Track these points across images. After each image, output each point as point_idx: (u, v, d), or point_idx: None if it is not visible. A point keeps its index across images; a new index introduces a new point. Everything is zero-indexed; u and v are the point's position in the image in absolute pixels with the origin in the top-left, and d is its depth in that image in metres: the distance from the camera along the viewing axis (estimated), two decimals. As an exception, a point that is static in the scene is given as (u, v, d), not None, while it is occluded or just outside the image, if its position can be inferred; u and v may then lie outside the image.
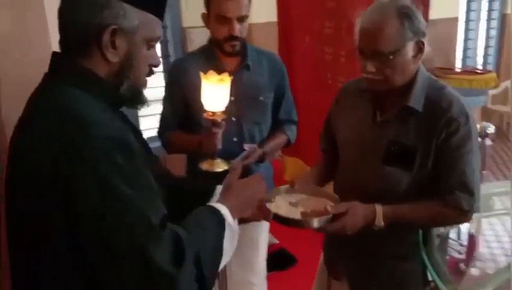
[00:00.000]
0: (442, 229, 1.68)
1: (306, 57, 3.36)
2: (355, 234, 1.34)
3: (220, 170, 1.69)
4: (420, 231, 1.47)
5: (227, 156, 1.81)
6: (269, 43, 3.54)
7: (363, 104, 1.48)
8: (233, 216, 1.09)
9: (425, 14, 2.63)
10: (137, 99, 1.09)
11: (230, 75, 1.74)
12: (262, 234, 2.15)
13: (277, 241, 3.05)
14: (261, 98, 1.98)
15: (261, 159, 1.94)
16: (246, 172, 1.89)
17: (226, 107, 1.69)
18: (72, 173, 0.85)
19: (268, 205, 1.33)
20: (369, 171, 1.45)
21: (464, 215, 1.40)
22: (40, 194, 0.88)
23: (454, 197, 1.36)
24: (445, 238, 1.83)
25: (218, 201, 1.11)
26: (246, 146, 1.88)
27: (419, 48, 1.34)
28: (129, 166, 0.89)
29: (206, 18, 1.87)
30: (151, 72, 1.09)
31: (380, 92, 1.41)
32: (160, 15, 1.05)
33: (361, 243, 1.42)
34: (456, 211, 1.38)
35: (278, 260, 2.89)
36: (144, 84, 1.09)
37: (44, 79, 1.00)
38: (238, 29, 1.80)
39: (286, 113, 2.11)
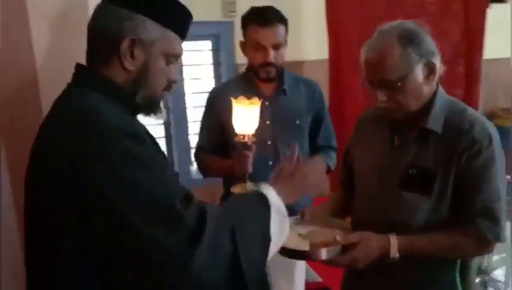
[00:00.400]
0: (485, 264, 1.56)
1: (357, 94, 3.33)
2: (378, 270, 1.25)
3: None
4: (458, 266, 1.36)
5: (263, 180, 1.81)
6: (320, 80, 3.57)
7: (381, 131, 1.43)
8: (284, 200, 1.08)
9: (478, 53, 2.55)
10: (152, 109, 1.12)
11: (266, 100, 1.78)
12: (297, 270, 2.08)
13: (320, 280, 2.95)
14: (297, 121, 1.98)
15: None
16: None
17: (260, 131, 1.71)
18: (90, 169, 0.88)
19: None
20: (387, 199, 1.37)
21: (486, 245, 1.27)
22: (59, 192, 0.90)
23: (476, 226, 1.25)
24: (487, 275, 1.69)
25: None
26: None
27: (431, 68, 1.28)
28: (144, 154, 0.92)
29: (243, 45, 1.93)
30: (169, 87, 1.13)
31: (397, 118, 1.35)
32: (181, 34, 1.11)
33: (388, 280, 1.35)
34: (478, 241, 1.26)
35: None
36: (161, 97, 1.13)
37: (67, 86, 1.07)
38: (273, 56, 1.85)
39: (325, 139, 2.09)
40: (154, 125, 3.15)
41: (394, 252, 1.25)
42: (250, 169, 1.69)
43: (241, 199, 1.05)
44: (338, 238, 1.22)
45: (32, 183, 1.00)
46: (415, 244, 1.27)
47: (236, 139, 1.67)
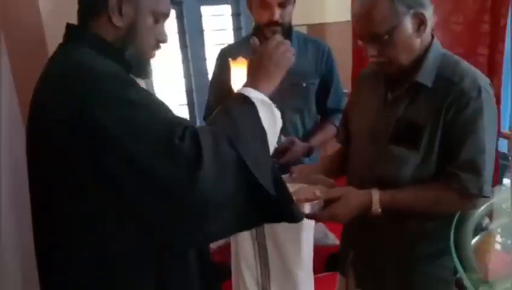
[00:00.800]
0: (486, 222, 1.51)
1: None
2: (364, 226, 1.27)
3: None
4: (452, 224, 1.34)
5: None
6: (344, 43, 3.49)
7: (378, 87, 1.41)
8: (264, 90, 1.08)
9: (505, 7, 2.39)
10: (142, 68, 1.15)
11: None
12: (304, 231, 2.08)
13: (339, 243, 2.94)
14: (304, 84, 1.95)
15: (307, 153, 1.91)
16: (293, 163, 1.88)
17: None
18: (90, 117, 0.91)
19: None
20: (376, 153, 1.36)
21: (468, 199, 1.25)
22: (64, 145, 0.93)
23: (459, 179, 1.22)
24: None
25: (244, 85, 1.11)
26: (283, 139, 1.84)
27: (421, 20, 1.24)
28: (138, 95, 0.96)
29: (250, 4, 1.90)
30: (157, 46, 1.16)
31: (390, 73, 1.33)
32: None
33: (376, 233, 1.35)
34: (460, 194, 1.24)
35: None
36: (150, 56, 1.16)
37: (59, 46, 1.11)
38: (279, 14, 1.81)
39: (335, 101, 2.05)
40: (176, 92, 3.23)
41: (376, 208, 1.26)
42: None
43: (225, 108, 1.04)
44: (318, 193, 1.24)
45: (35, 142, 1.03)
46: (397, 198, 1.27)
47: None
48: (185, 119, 1.01)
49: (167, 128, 0.92)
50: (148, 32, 1.11)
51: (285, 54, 1.15)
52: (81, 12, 1.10)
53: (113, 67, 1.03)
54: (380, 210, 1.26)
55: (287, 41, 1.15)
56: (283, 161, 1.75)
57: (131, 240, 0.97)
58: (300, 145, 1.84)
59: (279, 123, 1.07)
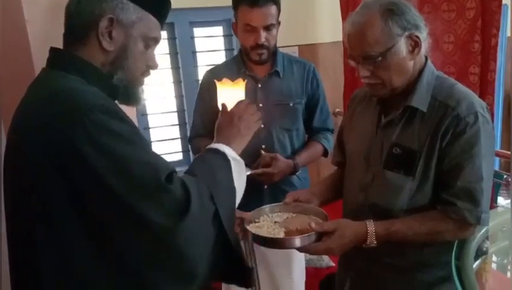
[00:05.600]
0: (486, 245, 1.48)
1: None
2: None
3: None
4: (453, 249, 1.30)
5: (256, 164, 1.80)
6: (335, 63, 3.51)
7: (371, 110, 1.39)
8: (236, 149, 1.13)
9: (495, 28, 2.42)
10: (129, 94, 1.12)
11: (259, 82, 1.76)
12: (295, 256, 2.05)
13: (333, 265, 2.91)
14: (291, 103, 1.95)
15: (293, 171, 1.90)
16: (283, 184, 1.86)
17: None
18: (70, 146, 0.88)
19: (249, 226, 1.26)
20: (370, 179, 1.33)
21: (466, 228, 1.21)
22: (39, 173, 0.90)
23: (456, 208, 1.19)
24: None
25: (214, 142, 1.14)
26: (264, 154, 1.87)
27: (415, 42, 1.22)
28: (125, 129, 0.93)
29: (235, 27, 1.91)
30: (147, 73, 1.14)
31: (383, 96, 1.30)
32: (160, 18, 1.11)
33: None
34: (458, 224, 1.20)
35: (333, 283, 2.75)
36: (139, 82, 1.13)
37: (42, 70, 1.08)
38: (264, 37, 1.82)
39: (320, 121, 2.06)
40: (167, 112, 3.20)
41: (372, 240, 1.22)
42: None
43: (204, 160, 1.08)
44: (313, 225, 1.20)
45: (14, 169, 0.99)
46: (392, 230, 1.22)
47: None
48: (165, 160, 1.01)
49: (155, 168, 0.92)
50: (138, 57, 1.08)
51: (254, 117, 1.23)
52: (68, 36, 1.07)
53: (100, 95, 0.99)
54: (375, 242, 1.22)
55: (254, 106, 1.25)
56: (265, 172, 1.78)
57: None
58: (282, 161, 1.83)
59: (244, 178, 1.12)
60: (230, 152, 1.10)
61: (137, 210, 0.88)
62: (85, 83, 1.01)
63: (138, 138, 0.96)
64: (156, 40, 1.12)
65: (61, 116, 0.91)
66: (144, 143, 0.98)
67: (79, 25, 1.04)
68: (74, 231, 0.91)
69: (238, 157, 1.12)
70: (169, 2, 1.14)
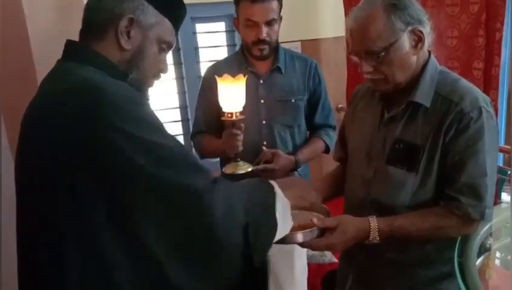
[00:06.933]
0: (489, 242, 1.46)
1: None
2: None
3: (242, 172, 1.68)
4: (456, 247, 1.29)
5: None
6: (338, 57, 3.49)
7: (373, 106, 1.38)
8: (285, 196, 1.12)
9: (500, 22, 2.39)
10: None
11: (261, 78, 1.74)
12: (296, 252, 2.04)
13: (336, 261, 2.90)
14: (292, 100, 1.94)
15: (294, 167, 1.89)
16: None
17: (254, 110, 1.68)
18: (94, 135, 0.87)
19: None
20: (373, 174, 1.32)
21: (469, 224, 1.20)
22: (79, 170, 0.88)
23: (459, 204, 1.18)
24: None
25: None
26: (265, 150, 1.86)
27: (418, 37, 1.21)
28: (157, 119, 0.97)
29: (236, 22, 1.89)
30: (158, 76, 1.16)
31: (386, 91, 1.29)
32: (175, 25, 1.13)
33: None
34: (461, 220, 1.19)
35: (335, 280, 2.74)
36: (150, 84, 1.15)
37: (57, 62, 1.07)
38: (266, 32, 1.81)
39: (322, 117, 2.04)
40: (170, 108, 3.20)
41: (374, 236, 1.21)
42: (240, 148, 1.67)
43: (250, 181, 1.12)
44: (315, 221, 1.19)
45: (32, 160, 0.96)
46: (395, 226, 1.22)
47: (223, 118, 1.65)
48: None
49: (185, 150, 1.00)
50: (152, 59, 1.10)
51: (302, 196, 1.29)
52: (86, 32, 1.08)
53: (129, 87, 1.01)
54: (378, 238, 1.21)
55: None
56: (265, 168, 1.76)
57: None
58: (284, 157, 1.82)
59: (289, 224, 1.13)
60: (280, 192, 1.10)
61: (183, 181, 0.91)
62: (105, 74, 1.01)
63: (165, 129, 1.00)
64: (170, 45, 1.15)
65: (91, 107, 0.89)
66: (170, 135, 1.01)
67: (98, 21, 1.05)
68: (98, 219, 0.89)
69: (285, 199, 1.11)
70: (186, 10, 1.17)
